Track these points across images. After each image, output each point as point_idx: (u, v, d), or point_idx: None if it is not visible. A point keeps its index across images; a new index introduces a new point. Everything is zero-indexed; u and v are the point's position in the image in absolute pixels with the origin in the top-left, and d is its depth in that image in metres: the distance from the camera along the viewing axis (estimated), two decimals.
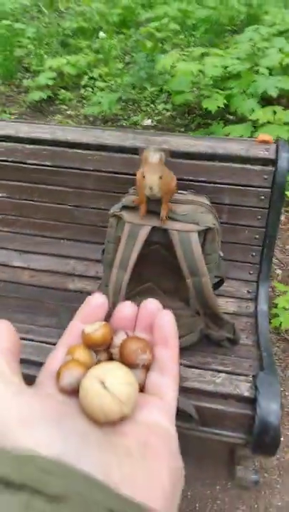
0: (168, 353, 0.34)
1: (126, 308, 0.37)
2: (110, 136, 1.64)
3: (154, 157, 1.12)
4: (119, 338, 0.34)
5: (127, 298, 1.23)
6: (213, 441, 1.27)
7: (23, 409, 0.27)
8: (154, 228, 1.21)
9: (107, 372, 0.30)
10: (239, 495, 1.48)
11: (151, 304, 0.36)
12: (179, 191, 1.35)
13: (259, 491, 1.49)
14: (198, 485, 1.50)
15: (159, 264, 1.28)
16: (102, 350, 0.34)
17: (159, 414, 0.31)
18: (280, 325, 1.80)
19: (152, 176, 1.12)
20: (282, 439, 1.61)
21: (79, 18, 4.77)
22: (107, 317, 0.36)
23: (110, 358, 0.34)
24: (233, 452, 1.52)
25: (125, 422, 0.30)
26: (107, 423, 0.29)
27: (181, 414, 1.19)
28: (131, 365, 0.32)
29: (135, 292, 1.31)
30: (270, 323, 1.72)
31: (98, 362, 0.33)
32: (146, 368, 0.34)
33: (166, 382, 0.33)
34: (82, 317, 0.36)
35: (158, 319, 0.35)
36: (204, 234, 1.22)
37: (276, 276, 2.18)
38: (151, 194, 1.14)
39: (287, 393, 1.75)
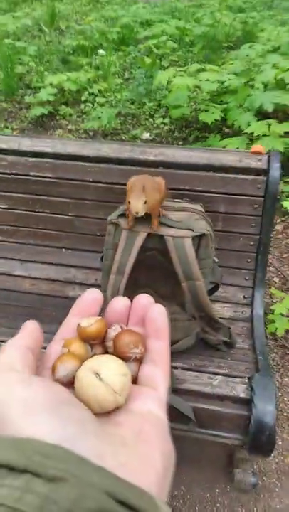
0: (160, 345, 0.36)
1: (119, 303, 0.38)
2: (109, 149, 1.69)
3: (137, 186, 1.20)
4: (113, 332, 0.36)
5: None
6: (211, 443, 1.29)
7: (28, 399, 0.29)
8: (149, 235, 1.26)
9: (101, 364, 0.32)
10: (238, 498, 1.49)
11: (144, 299, 0.38)
12: (175, 199, 1.40)
13: (258, 494, 1.50)
14: (197, 488, 1.51)
15: (155, 270, 1.31)
16: (97, 344, 0.36)
17: (152, 404, 0.33)
18: (276, 330, 1.84)
19: (137, 204, 1.18)
20: (280, 443, 1.63)
21: (79, 36, 4.88)
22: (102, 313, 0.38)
23: (106, 352, 0.36)
24: (231, 455, 1.54)
25: (120, 413, 0.31)
26: (102, 413, 0.31)
27: (179, 417, 1.22)
28: (124, 358, 0.34)
29: (133, 297, 1.35)
30: (266, 328, 1.75)
31: (93, 355, 0.35)
32: (139, 360, 0.35)
33: (158, 373, 0.35)
34: (78, 312, 0.37)
35: (150, 312, 0.36)
36: (198, 240, 1.26)
37: (274, 284, 2.22)
38: (139, 216, 1.20)
39: (285, 398, 1.78)
